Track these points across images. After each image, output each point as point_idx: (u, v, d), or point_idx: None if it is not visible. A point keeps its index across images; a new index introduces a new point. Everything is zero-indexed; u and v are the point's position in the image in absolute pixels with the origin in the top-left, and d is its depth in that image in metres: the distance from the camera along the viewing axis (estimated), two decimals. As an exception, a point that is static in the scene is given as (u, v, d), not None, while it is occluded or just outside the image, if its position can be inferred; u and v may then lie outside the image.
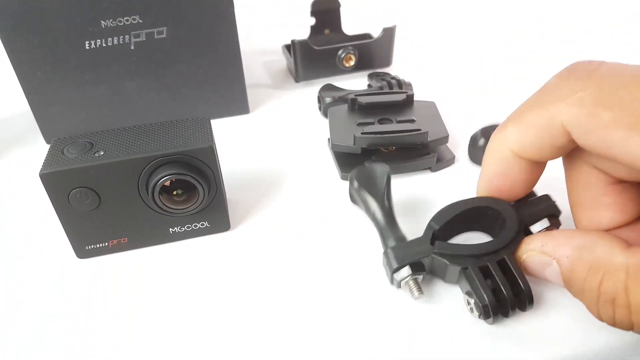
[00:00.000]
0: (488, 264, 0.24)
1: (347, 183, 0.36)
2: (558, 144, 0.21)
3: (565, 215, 0.27)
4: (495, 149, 0.24)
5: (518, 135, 0.22)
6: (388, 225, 0.28)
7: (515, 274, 0.24)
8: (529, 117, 0.22)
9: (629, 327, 0.19)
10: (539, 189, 0.27)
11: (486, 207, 0.27)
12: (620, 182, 0.23)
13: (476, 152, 0.34)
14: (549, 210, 0.26)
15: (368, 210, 0.29)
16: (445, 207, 0.27)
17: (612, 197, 0.23)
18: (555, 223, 0.27)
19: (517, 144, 0.23)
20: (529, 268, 0.24)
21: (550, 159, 0.23)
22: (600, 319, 0.20)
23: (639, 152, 0.18)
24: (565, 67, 0.21)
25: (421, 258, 0.26)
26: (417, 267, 0.26)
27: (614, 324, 0.20)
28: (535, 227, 0.26)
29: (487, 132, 0.33)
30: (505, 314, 0.24)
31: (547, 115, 0.21)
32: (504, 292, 0.24)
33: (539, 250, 0.23)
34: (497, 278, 0.24)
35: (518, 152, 0.23)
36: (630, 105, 0.18)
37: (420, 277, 0.26)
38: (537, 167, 0.24)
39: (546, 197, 0.27)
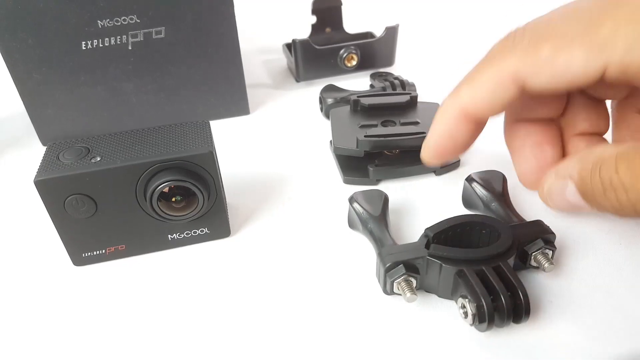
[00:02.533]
0: (484, 268, 0.24)
1: (350, 186, 0.36)
2: (508, 96, 0.23)
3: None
4: (447, 109, 0.25)
5: (471, 93, 0.24)
6: (384, 238, 0.28)
7: (513, 281, 0.24)
8: (481, 76, 0.23)
9: (632, 209, 0.20)
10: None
11: (482, 224, 0.27)
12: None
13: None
14: (543, 233, 0.27)
15: (365, 228, 0.29)
16: (442, 220, 0.27)
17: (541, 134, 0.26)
18: (550, 247, 0.27)
19: (470, 101, 0.24)
20: (555, 201, 0.23)
21: (496, 114, 0.25)
22: (615, 210, 0.21)
23: (580, 67, 0.20)
24: (504, 35, 0.24)
25: (415, 258, 0.25)
26: (410, 268, 0.25)
27: (621, 210, 0.20)
28: (530, 247, 0.26)
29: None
30: (501, 321, 0.23)
31: (497, 69, 0.23)
32: (502, 297, 0.23)
33: (554, 178, 0.23)
34: (494, 282, 0.23)
35: (470, 109, 0.24)
36: (560, 32, 0.21)
37: (413, 281, 0.25)
38: (478, 127, 0.25)
39: (539, 222, 0.27)
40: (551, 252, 0.27)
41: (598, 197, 0.21)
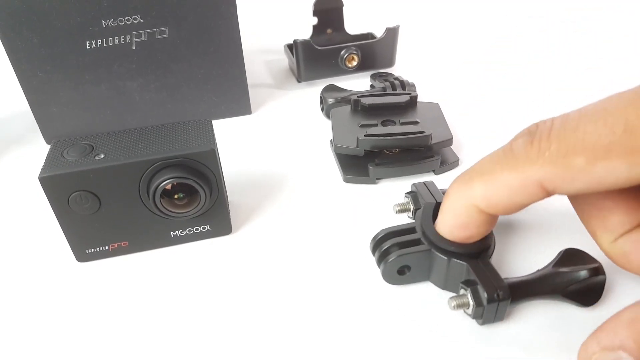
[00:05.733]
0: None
1: (349, 185, 0.36)
2: (532, 200, 0.22)
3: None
4: (459, 203, 0.24)
5: (486, 192, 0.23)
6: None
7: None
8: (500, 176, 0.22)
9: None
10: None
11: None
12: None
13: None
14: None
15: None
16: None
17: (612, 200, 0.23)
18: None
19: (485, 201, 0.23)
20: None
21: (511, 213, 0.24)
22: None
23: (624, 175, 0.19)
24: (525, 130, 0.22)
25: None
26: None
27: None
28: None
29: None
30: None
31: (521, 177, 0.22)
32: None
33: (599, 350, 0.20)
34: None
35: (484, 209, 0.24)
36: (591, 142, 0.19)
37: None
38: (495, 217, 0.25)
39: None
40: None
41: None
